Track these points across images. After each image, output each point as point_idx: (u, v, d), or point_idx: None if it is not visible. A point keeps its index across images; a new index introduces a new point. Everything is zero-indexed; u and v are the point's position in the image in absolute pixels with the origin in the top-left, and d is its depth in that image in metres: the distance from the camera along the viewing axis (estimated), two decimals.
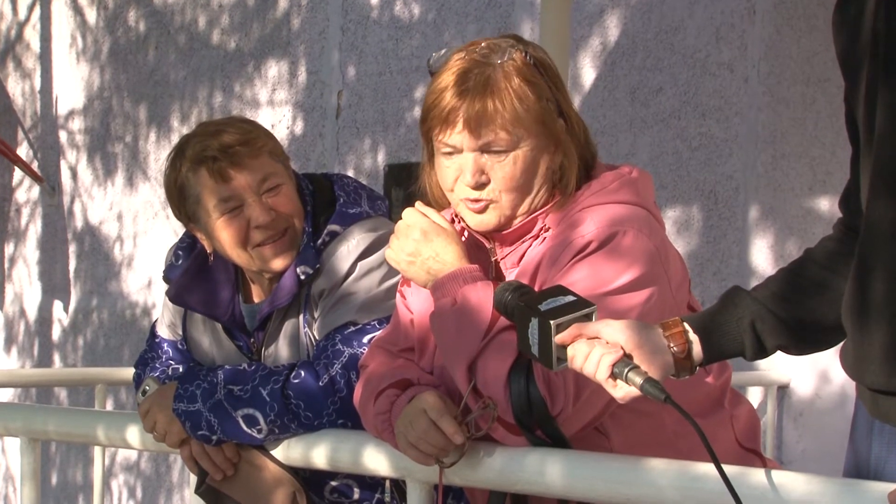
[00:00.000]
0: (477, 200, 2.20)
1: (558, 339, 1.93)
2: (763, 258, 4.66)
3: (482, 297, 2.12)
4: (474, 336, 2.12)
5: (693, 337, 1.96)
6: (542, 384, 2.06)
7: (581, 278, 2.07)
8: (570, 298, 1.96)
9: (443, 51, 2.25)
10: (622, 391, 1.90)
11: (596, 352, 1.90)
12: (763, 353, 1.98)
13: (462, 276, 2.17)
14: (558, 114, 2.20)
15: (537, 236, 2.22)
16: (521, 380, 2.08)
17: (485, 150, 2.17)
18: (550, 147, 2.20)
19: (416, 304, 2.33)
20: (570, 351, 1.93)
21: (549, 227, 2.21)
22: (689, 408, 2.21)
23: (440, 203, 2.30)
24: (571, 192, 2.21)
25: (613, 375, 1.89)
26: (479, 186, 2.19)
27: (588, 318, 1.95)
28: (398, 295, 2.41)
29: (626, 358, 1.90)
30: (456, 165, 2.20)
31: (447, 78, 2.18)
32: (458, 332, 2.14)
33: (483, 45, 2.21)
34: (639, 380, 1.87)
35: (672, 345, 1.94)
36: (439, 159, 2.22)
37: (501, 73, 2.16)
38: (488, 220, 2.22)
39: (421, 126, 2.25)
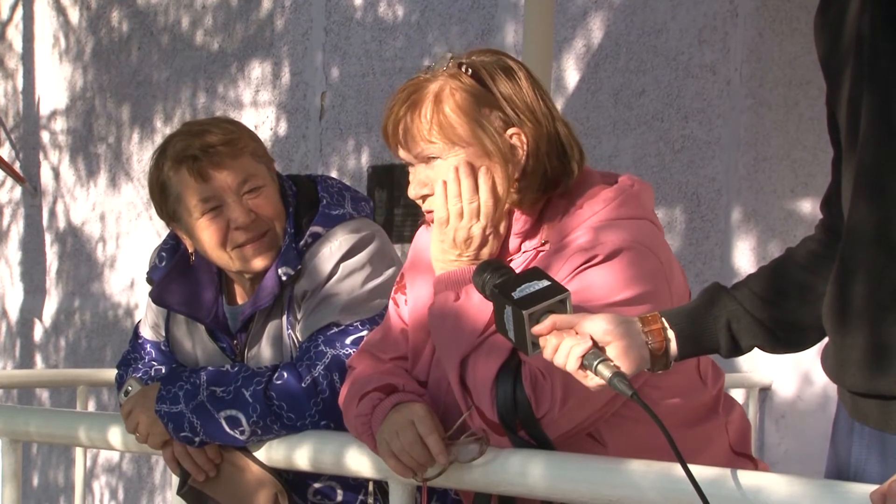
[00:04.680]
0: (427, 212, 2.24)
1: (535, 329, 1.94)
2: (745, 260, 4.67)
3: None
4: (471, 333, 2.12)
5: (670, 334, 1.96)
6: (528, 385, 2.07)
7: (583, 288, 2.08)
8: (545, 283, 1.96)
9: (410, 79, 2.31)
10: (593, 382, 1.91)
11: (565, 343, 1.91)
12: (738, 351, 2.00)
13: (469, 275, 2.18)
14: (506, 124, 2.20)
15: (534, 250, 2.22)
16: (508, 380, 2.08)
17: (424, 160, 2.21)
18: (499, 151, 2.20)
19: (409, 313, 2.33)
20: (541, 341, 1.94)
21: (546, 242, 2.21)
22: (688, 416, 2.23)
23: None
24: (542, 175, 2.20)
25: (584, 367, 1.90)
26: (422, 198, 2.23)
27: (562, 303, 1.95)
28: (391, 303, 2.41)
29: (597, 350, 1.90)
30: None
31: (390, 100, 2.25)
32: (457, 326, 2.14)
33: (428, 67, 2.26)
34: (608, 373, 1.88)
35: (650, 340, 1.95)
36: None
37: (430, 87, 2.20)
38: None
39: None
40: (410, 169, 2.25)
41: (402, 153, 2.23)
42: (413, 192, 2.24)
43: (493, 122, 2.19)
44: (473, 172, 2.18)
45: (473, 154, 2.18)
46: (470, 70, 2.20)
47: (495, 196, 2.19)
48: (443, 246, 2.22)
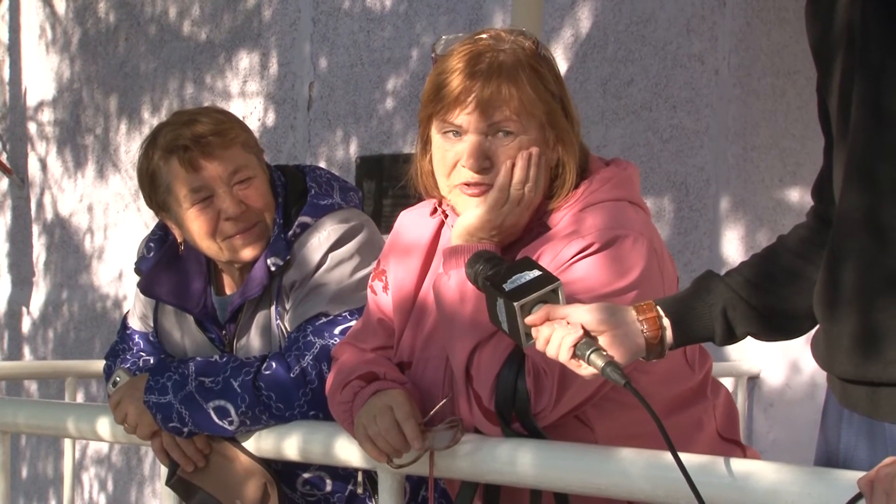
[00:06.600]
0: (477, 184, 2.16)
1: (528, 320, 1.93)
2: (734, 249, 4.68)
3: None
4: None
5: (666, 322, 1.96)
6: (530, 380, 2.06)
7: (580, 278, 2.07)
8: (536, 273, 1.95)
9: (447, 36, 2.24)
10: (587, 371, 1.91)
11: (557, 333, 1.90)
12: (733, 339, 2.00)
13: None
14: (562, 109, 2.20)
15: (533, 232, 2.21)
16: (511, 371, 2.08)
17: (491, 132, 2.15)
18: (550, 141, 2.18)
19: (392, 297, 2.33)
20: (533, 332, 1.94)
21: (545, 225, 2.19)
22: (676, 400, 2.23)
23: (429, 192, 2.28)
24: (568, 191, 2.19)
25: (576, 356, 1.90)
26: (482, 171, 2.16)
27: (554, 293, 1.94)
28: (369, 291, 2.40)
29: (589, 339, 1.90)
30: (458, 148, 2.17)
31: (456, 61, 2.16)
32: (477, 310, 2.09)
33: (488, 34, 2.20)
34: (600, 363, 1.88)
35: (645, 329, 1.95)
36: (439, 142, 2.19)
37: (514, 59, 2.15)
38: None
39: (422, 110, 2.21)
40: (455, 140, 2.16)
41: (465, 118, 2.15)
42: (477, 164, 2.14)
43: (556, 104, 2.20)
44: (540, 163, 2.15)
45: (539, 138, 2.16)
46: (541, 50, 2.19)
47: (541, 187, 2.18)
48: (482, 224, 2.16)
